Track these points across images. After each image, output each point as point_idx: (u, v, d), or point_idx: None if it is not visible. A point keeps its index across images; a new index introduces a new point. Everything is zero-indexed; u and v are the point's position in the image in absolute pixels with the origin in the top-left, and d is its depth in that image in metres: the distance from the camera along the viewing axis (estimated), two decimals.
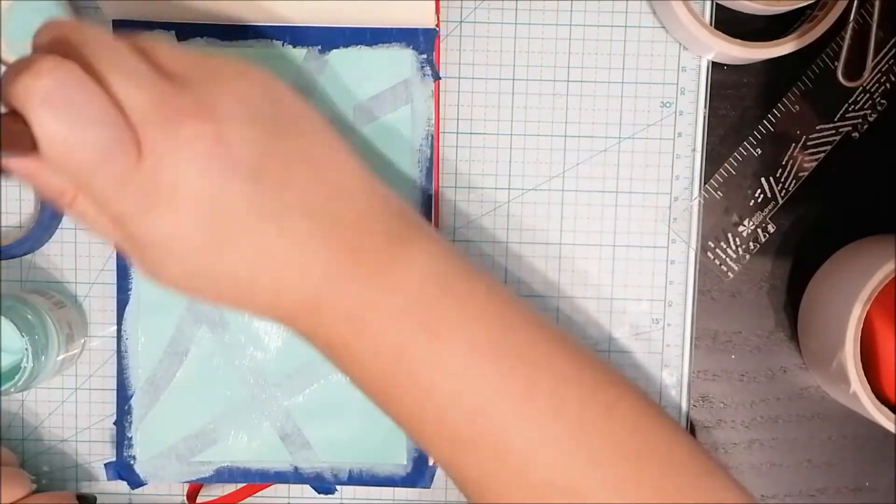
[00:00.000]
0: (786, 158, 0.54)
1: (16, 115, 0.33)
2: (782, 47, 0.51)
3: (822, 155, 0.54)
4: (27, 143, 0.33)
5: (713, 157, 0.54)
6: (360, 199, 0.39)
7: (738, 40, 0.50)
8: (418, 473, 0.53)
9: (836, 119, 0.53)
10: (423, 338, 0.38)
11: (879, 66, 0.53)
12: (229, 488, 0.55)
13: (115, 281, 0.53)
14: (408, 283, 0.38)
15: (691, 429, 0.55)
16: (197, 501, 0.55)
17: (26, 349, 0.49)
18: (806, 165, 0.54)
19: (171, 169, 0.34)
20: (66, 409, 0.55)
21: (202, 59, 0.37)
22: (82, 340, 0.55)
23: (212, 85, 0.36)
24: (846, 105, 0.53)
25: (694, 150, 0.54)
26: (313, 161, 0.38)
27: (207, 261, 0.36)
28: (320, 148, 0.39)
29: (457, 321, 0.39)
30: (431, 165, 0.52)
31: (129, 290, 0.53)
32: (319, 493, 0.54)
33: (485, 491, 0.40)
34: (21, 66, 0.33)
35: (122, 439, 0.53)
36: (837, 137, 0.53)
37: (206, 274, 0.37)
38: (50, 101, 0.33)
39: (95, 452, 0.55)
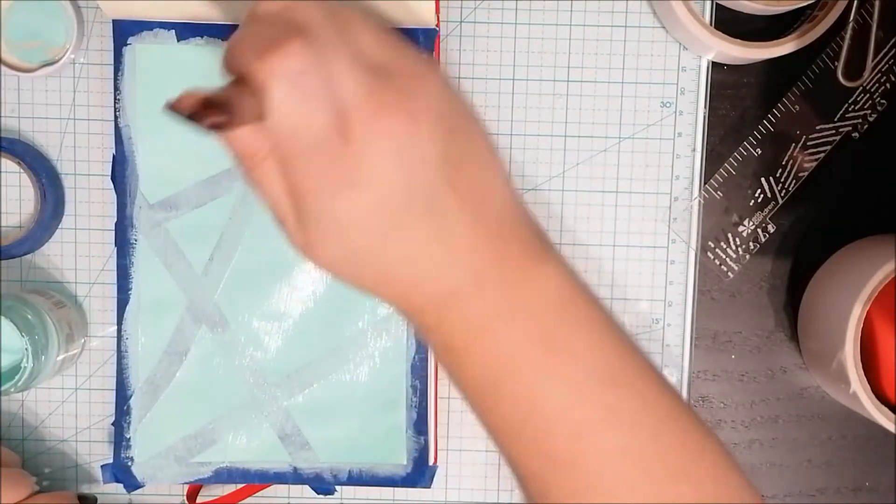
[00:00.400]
0: (786, 158, 0.54)
1: (243, 85, 0.36)
2: (782, 47, 0.51)
3: (822, 155, 0.54)
4: (256, 113, 0.36)
5: (713, 157, 0.54)
6: (507, 208, 0.40)
7: (738, 40, 0.50)
8: (418, 473, 0.53)
9: (836, 119, 0.53)
10: (541, 355, 0.39)
11: (879, 66, 0.53)
12: (229, 488, 0.55)
13: (115, 281, 0.53)
14: (536, 300, 0.39)
15: None
16: (197, 501, 0.55)
17: (26, 349, 0.49)
18: (806, 165, 0.54)
19: (370, 160, 0.36)
20: (66, 409, 0.55)
21: (400, 51, 0.39)
22: (82, 340, 0.55)
23: (410, 81, 0.38)
24: (846, 105, 0.53)
25: (694, 150, 0.54)
26: (477, 164, 0.40)
27: (368, 244, 0.38)
28: (484, 152, 0.40)
29: (577, 343, 0.39)
30: None
31: (129, 290, 0.53)
32: (319, 493, 0.54)
33: None
34: (269, 43, 0.36)
35: (119, 440, 0.53)
36: (837, 137, 0.53)
37: (362, 256, 0.38)
38: (292, 83, 0.36)
39: (95, 452, 0.55)
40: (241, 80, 0.37)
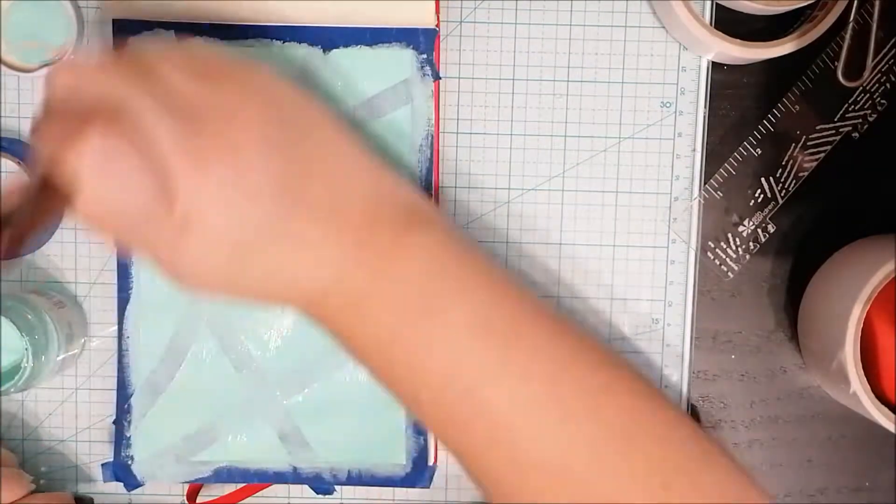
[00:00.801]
0: (786, 158, 0.54)
1: (46, 184, 0.36)
2: (782, 47, 0.51)
3: (822, 155, 0.54)
4: (60, 205, 0.36)
5: (713, 157, 0.54)
6: (368, 195, 0.41)
7: (738, 40, 0.50)
8: (418, 473, 0.53)
9: (836, 119, 0.53)
10: (421, 321, 0.40)
11: (879, 66, 0.53)
12: (229, 488, 0.55)
13: (115, 281, 0.53)
14: (409, 270, 0.40)
15: None
16: (197, 501, 0.55)
17: (26, 349, 0.49)
18: (806, 165, 0.54)
19: (200, 208, 0.37)
20: (66, 409, 0.55)
21: (214, 79, 0.39)
22: (82, 340, 0.54)
23: (228, 113, 0.38)
24: (846, 105, 0.53)
25: (694, 150, 0.54)
26: (325, 167, 0.40)
27: (232, 270, 0.39)
28: (330, 152, 0.41)
29: (454, 304, 0.40)
30: (431, 165, 0.52)
31: (130, 289, 0.53)
32: (318, 493, 0.54)
33: (481, 470, 0.42)
34: (68, 132, 0.36)
35: (120, 439, 0.53)
36: (837, 137, 0.53)
37: (231, 279, 0.40)
38: (99, 168, 0.36)
39: (95, 452, 0.55)
40: (47, 171, 0.37)
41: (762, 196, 0.54)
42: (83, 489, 0.55)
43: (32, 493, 0.52)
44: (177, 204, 0.37)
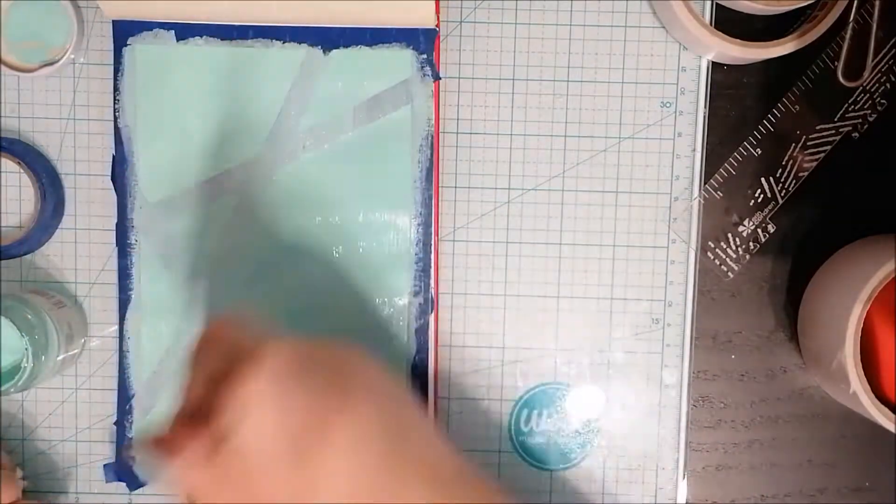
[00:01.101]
0: (786, 158, 0.54)
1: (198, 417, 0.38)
2: (782, 47, 0.51)
3: (822, 155, 0.54)
4: (213, 442, 0.37)
5: (713, 157, 0.54)
6: (452, 462, 0.42)
7: (738, 40, 0.50)
8: None
9: (836, 119, 0.53)
10: None
11: (879, 66, 0.53)
12: None
13: (115, 281, 0.53)
14: None
15: (691, 429, 0.55)
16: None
17: (26, 349, 0.49)
18: (806, 165, 0.54)
19: (319, 471, 0.38)
20: (66, 409, 0.55)
21: (329, 346, 0.41)
22: (82, 340, 0.55)
23: (347, 378, 0.40)
24: (846, 105, 0.53)
25: (694, 150, 0.54)
26: (417, 430, 0.42)
27: None
28: (415, 413, 0.43)
29: None
30: (431, 165, 0.52)
31: (131, 290, 0.53)
32: None
33: None
34: (245, 357, 0.38)
35: (122, 440, 0.53)
36: (837, 137, 0.53)
37: None
38: (271, 397, 0.37)
39: (95, 452, 0.55)
40: (198, 410, 0.38)
41: (762, 196, 0.54)
42: (83, 489, 0.55)
43: (25, 492, 0.52)
44: (310, 460, 0.37)
